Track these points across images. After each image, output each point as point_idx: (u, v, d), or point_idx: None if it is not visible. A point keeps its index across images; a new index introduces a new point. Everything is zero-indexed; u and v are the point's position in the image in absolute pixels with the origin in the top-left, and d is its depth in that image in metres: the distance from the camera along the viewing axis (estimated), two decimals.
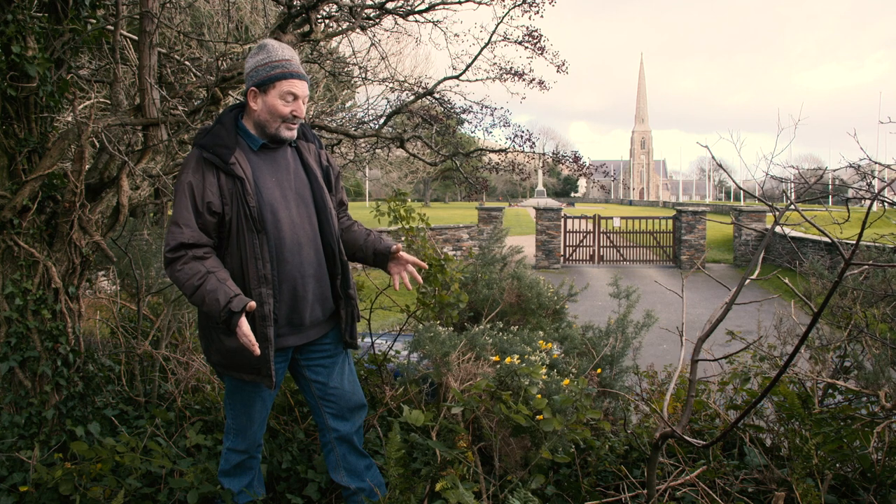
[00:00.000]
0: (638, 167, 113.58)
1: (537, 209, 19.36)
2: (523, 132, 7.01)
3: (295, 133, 2.25)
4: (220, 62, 4.31)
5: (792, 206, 2.04)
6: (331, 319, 2.40)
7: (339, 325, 2.41)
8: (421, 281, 2.52)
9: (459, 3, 5.53)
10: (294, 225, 2.22)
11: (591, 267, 19.32)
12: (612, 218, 20.31)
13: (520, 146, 7.02)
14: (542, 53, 6.27)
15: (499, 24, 6.14)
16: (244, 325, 2.01)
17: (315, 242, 2.28)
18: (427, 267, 2.53)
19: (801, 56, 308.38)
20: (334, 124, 7.86)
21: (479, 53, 6.43)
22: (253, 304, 2.03)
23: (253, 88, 2.19)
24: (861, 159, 2.37)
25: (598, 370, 3.56)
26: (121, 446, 2.49)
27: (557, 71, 6.47)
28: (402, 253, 2.44)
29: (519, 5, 5.85)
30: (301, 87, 2.19)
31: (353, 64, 6.89)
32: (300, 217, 2.25)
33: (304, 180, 2.30)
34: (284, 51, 2.20)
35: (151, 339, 3.76)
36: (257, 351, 2.03)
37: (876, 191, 2.24)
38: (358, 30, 4.64)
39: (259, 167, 2.21)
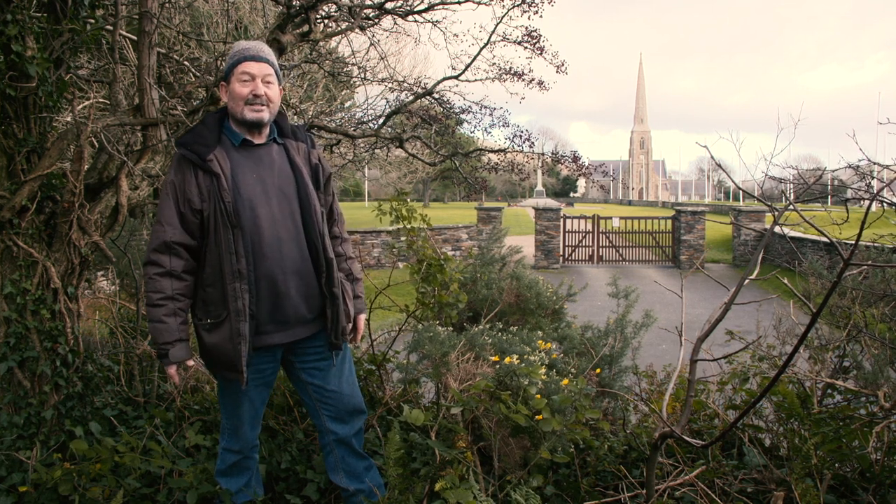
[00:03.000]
0: (637, 167, 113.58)
1: (536, 209, 19.35)
2: (522, 132, 7.02)
3: (263, 115, 2.23)
4: (219, 62, 4.30)
5: (791, 207, 2.05)
6: (321, 319, 2.36)
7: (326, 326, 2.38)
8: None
9: (458, 3, 5.53)
10: (275, 221, 2.21)
11: (591, 267, 19.32)
12: (611, 218, 20.30)
13: (519, 146, 7.03)
14: (541, 54, 6.27)
15: (498, 24, 6.15)
16: (172, 369, 2.20)
17: (298, 239, 2.26)
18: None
19: (801, 57, 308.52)
20: (333, 124, 7.86)
21: (479, 54, 6.44)
22: (191, 362, 2.23)
23: (222, 83, 2.29)
24: (860, 160, 2.37)
25: (598, 370, 3.56)
26: (120, 446, 2.49)
27: (557, 71, 6.47)
28: (360, 324, 2.52)
29: (518, 5, 5.86)
30: (257, 68, 2.22)
31: (353, 64, 6.89)
32: (282, 213, 2.23)
33: (290, 177, 2.29)
34: (246, 42, 2.28)
35: (150, 339, 3.76)
36: (177, 381, 2.26)
37: (875, 191, 2.24)
38: (357, 30, 4.64)
39: (240, 164, 2.22)
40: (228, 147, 2.23)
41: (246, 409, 2.37)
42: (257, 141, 2.27)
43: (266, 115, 2.24)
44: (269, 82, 2.24)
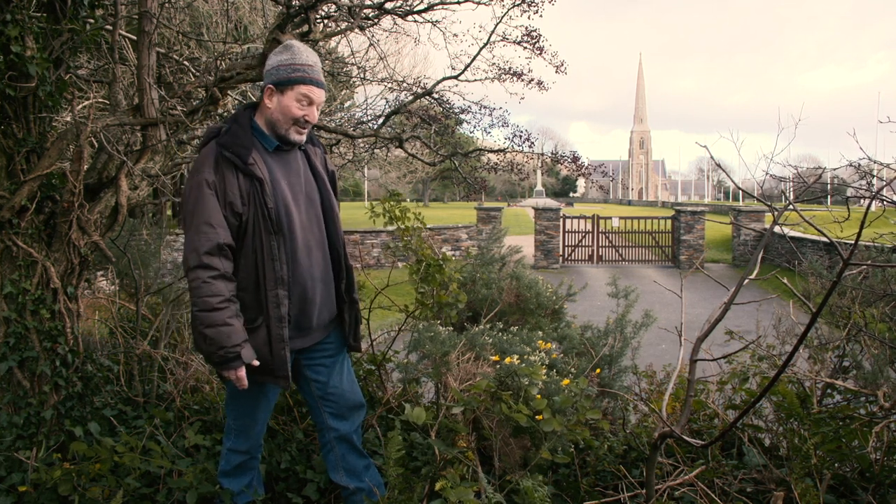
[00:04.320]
0: (637, 167, 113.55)
1: (536, 209, 19.36)
2: (522, 132, 7.01)
3: (304, 137, 2.26)
4: (218, 62, 4.30)
5: (791, 206, 2.05)
6: (332, 322, 2.41)
7: (342, 328, 2.43)
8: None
9: (458, 2, 5.51)
10: (304, 228, 2.24)
11: (590, 267, 19.32)
12: (610, 218, 20.31)
13: (518, 146, 7.02)
14: (540, 53, 6.27)
15: (497, 23, 6.14)
16: (242, 370, 2.10)
17: (322, 246, 2.29)
18: None
19: (801, 57, 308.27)
20: (333, 124, 7.86)
21: (478, 53, 6.43)
22: (256, 362, 2.13)
23: (270, 86, 2.19)
24: (861, 158, 2.38)
25: (598, 370, 3.56)
26: (120, 446, 2.49)
27: (556, 71, 6.46)
28: None
29: (518, 5, 5.84)
30: (318, 94, 2.21)
31: (352, 64, 6.89)
32: (309, 220, 2.26)
33: (313, 184, 2.32)
34: (309, 55, 2.20)
35: (150, 339, 3.76)
36: (246, 384, 2.13)
37: (875, 190, 2.24)
38: (357, 30, 4.64)
39: (274, 169, 2.22)
40: (261, 150, 2.22)
41: (263, 409, 2.39)
42: (286, 146, 2.28)
43: (305, 136, 2.27)
44: (318, 108, 2.26)
